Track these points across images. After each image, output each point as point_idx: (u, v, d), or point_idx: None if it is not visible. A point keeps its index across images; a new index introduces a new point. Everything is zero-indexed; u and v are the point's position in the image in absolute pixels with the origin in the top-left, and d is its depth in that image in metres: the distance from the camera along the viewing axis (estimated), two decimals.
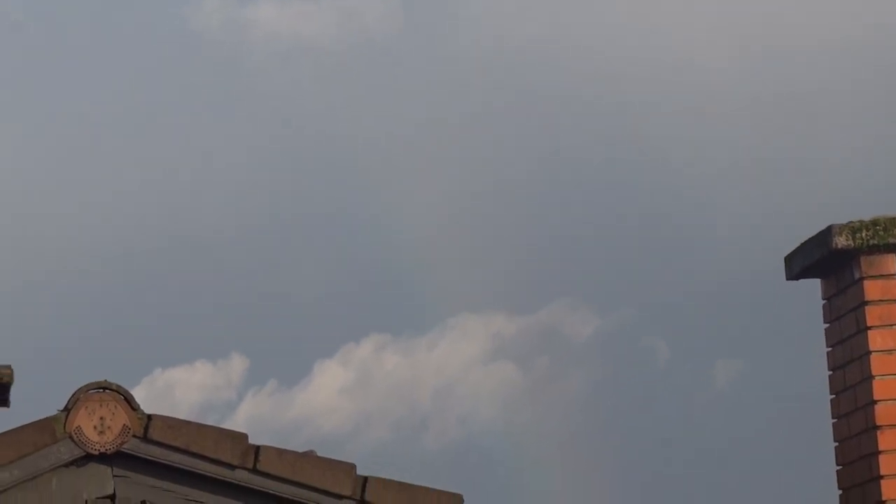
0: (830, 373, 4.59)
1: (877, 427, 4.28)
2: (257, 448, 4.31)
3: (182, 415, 4.15)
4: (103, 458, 4.30)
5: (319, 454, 4.48)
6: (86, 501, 4.33)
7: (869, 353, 4.28)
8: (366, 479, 4.27)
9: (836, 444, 4.58)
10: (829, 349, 4.59)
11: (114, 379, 4.07)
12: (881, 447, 4.28)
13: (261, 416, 14.25)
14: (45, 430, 4.32)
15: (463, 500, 4.30)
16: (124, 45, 16.33)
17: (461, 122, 14.30)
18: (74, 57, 16.47)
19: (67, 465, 4.33)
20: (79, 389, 4.29)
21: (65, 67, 16.53)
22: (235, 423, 12.74)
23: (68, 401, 4.31)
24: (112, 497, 4.37)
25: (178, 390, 14.34)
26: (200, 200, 14.90)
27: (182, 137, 15.70)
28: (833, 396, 4.60)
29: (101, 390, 4.32)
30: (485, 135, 14.18)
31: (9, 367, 4.44)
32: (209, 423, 4.27)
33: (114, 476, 4.38)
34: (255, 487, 4.29)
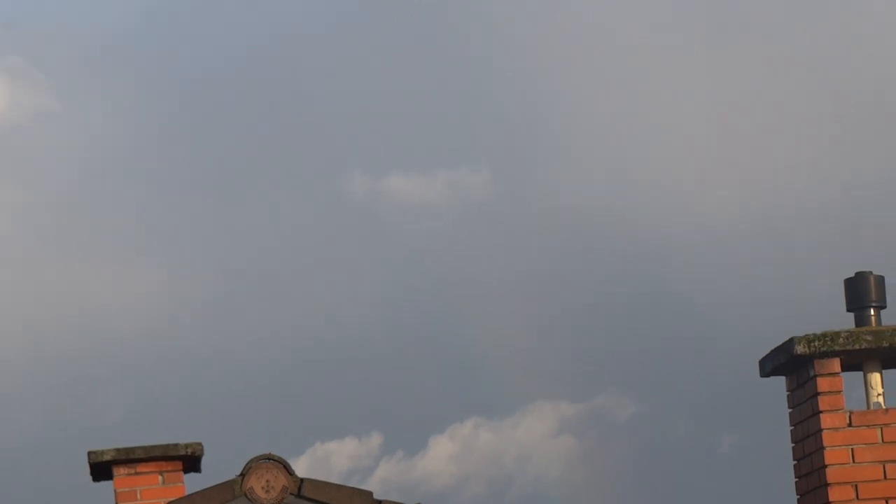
0: (793, 445, 6.13)
1: (828, 484, 5.80)
2: (380, 502, 5.88)
3: (334, 478, 5.69)
4: None
5: None
6: None
7: (821, 430, 5.77)
8: None
9: (798, 496, 6.11)
10: (792, 428, 6.11)
11: (282, 450, 5.62)
12: (831, 499, 5.78)
13: (390, 479, 18.74)
14: (227, 490, 5.84)
15: None
16: (285, 207, 21.38)
17: (538, 266, 20.05)
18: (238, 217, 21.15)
19: None
20: (251, 459, 5.83)
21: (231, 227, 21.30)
22: (371, 484, 16.67)
23: (243, 468, 5.86)
24: None
25: (332, 459, 18.90)
26: (347, 322, 20.42)
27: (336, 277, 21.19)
28: (795, 462, 6.12)
29: (268, 460, 5.89)
30: (552, 271, 19.82)
31: (200, 443, 5.97)
32: (350, 484, 5.82)
33: None
34: None
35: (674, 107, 19.98)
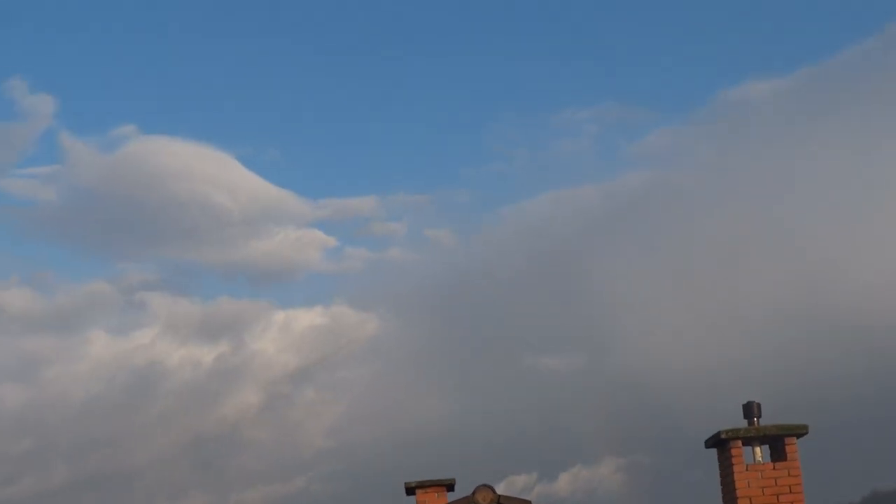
0: (721, 480, 13.07)
1: (737, 498, 12.70)
2: None
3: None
4: None
5: None
6: None
7: (733, 470, 12.74)
8: None
9: None
10: (720, 471, 13.07)
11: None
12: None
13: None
14: (468, 499, 13.05)
15: None
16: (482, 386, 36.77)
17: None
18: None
19: None
20: (479, 485, 13.01)
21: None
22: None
23: (474, 489, 13.05)
24: None
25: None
26: None
27: None
28: (721, 488, 13.05)
29: (485, 486, 13.08)
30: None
31: (454, 478, 13.24)
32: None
33: None
34: None
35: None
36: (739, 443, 12.72)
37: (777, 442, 12.66)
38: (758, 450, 12.76)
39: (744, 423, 12.81)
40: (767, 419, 12.84)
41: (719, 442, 12.84)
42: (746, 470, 12.62)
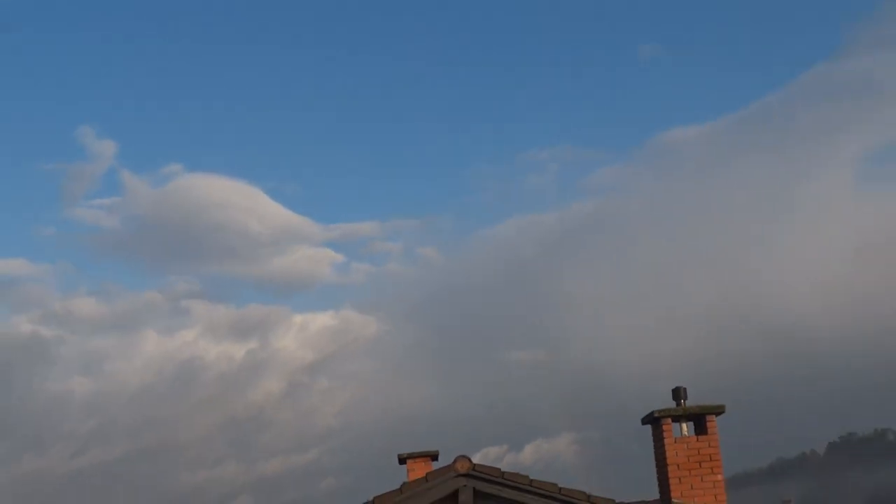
0: (654, 453, 16.01)
1: (668, 477, 15.61)
2: (513, 473, 15.86)
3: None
4: (463, 477, 15.86)
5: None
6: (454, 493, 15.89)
7: (664, 443, 15.69)
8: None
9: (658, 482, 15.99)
10: (655, 454, 15.99)
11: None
12: (669, 472, 15.62)
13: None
14: (449, 468, 15.88)
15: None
16: None
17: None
18: None
19: (454, 478, 15.86)
20: (458, 455, 15.86)
21: None
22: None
23: (454, 459, 15.90)
24: (456, 493, 15.90)
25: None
26: None
27: None
28: (655, 459, 16.00)
29: (463, 456, 15.94)
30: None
31: (437, 450, 16.09)
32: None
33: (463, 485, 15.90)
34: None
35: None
36: (669, 420, 15.61)
37: (700, 419, 15.56)
38: (684, 426, 15.67)
39: (673, 404, 15.72)
40: (693, 400, 15.75)
41: (653, 419, 15.76)
42: (675, 442, 15.51)
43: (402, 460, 16.19)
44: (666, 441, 15.51)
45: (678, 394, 15.76)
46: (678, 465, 15.45)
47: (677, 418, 15.57)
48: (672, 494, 15.19)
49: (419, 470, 15.97)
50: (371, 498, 14.27)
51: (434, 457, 16.23)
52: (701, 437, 15.46)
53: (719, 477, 15.34)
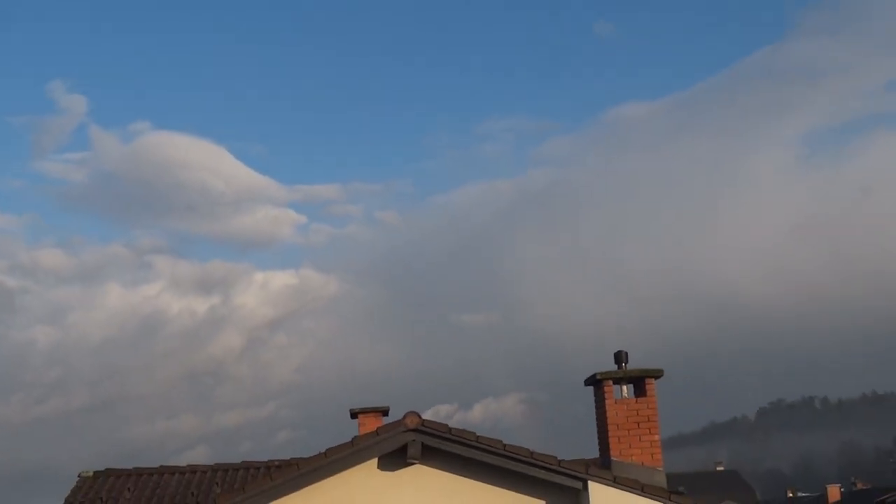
0: (596, 412, 16.76)
1: (608, 436, 16.37)
2: (460, 429, 16.52)
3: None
4: (412, 432, 16.49)
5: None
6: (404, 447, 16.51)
7: (605, 404, 16.41)
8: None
9: (599, 441, 16.75)
10: (596, 414, 16.73)
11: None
12: (609, 432, 16.37)
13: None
14: (399, 423, 16.51)
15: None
16: None
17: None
18: None
19: (403, 433, 16.49)
20: (408, 412, 16.50)
21: None
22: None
23: (404, 414, 16.53)
24: (405, 447, 16.53)
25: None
26: None
27: None
28: (597, 420, 16.75)
29: (412, 412, 16.57)
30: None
31: (388, 406, 16.71)
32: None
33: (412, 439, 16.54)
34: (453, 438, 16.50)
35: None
36: (611, 382, 16.32)
37: (639, 382, 16.30)
38: (624, 388, 16.40)
39: (614, 367, 16.45)
40: (633, 364, 16.49)
41: (595, 382, 16.46)
42: (616, 403, 16.24)
43: (354, 415, 16.77)
44: (607, 402, 16.20)
45: (619, 357, 16.48)
46: (618, 425, 16.15)
47: (618, 380, 16.27)
48: (611, 453, 15.93)
49: (370, 424, 16.54)
50: (324, 450, 14.84)
51: (385, 412, 16.83)
52: (640, 399, 16.16)
53: (656, 437, 16.09)
